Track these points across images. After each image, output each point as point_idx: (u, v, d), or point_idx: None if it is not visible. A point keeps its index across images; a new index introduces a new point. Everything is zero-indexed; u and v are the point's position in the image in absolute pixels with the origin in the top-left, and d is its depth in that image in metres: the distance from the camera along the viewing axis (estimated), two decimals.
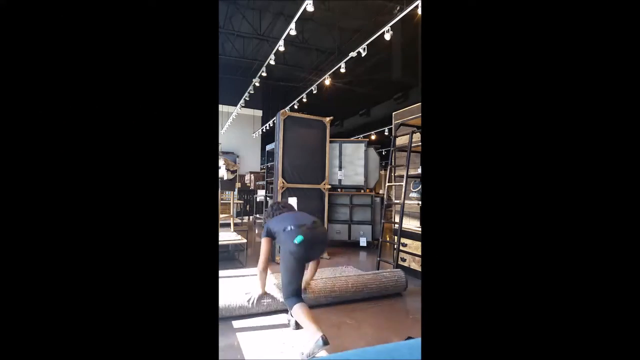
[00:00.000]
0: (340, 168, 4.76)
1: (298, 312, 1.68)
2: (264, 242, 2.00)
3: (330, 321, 2.05)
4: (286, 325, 1.96)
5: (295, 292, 1.80)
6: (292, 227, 1.83)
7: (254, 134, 11.53)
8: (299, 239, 1.75)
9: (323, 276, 2.53)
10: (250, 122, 11.46)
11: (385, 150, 9.85)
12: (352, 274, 2.62)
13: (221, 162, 4.31)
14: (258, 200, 8.29)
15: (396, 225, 3.29)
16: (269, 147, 6.18)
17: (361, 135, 11.06)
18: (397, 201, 3.47)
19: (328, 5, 6.45)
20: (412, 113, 3.52)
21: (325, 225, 3.99)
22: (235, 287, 2.30)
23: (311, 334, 1.54)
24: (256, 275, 2.09)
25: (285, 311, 2.07)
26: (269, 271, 2.18)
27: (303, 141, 3.97)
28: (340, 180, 4.75)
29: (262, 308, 2.09)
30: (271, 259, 3.69)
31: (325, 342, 1.50)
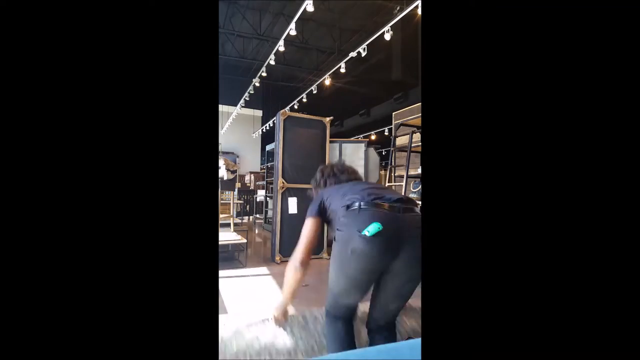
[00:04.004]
0: None
1: None
2: (310, 225, 1.16)
3: None
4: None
5: (346, 313, 1.07)
6: (363, 202, 0.99)
7: (254, 134, 11.52)
8: (375, 227, 0.92)
9: None
10: (250, 122, 11.45)
11: (385, 150, 9.84)
12: None
13: (221, 162, 4.31)
14: (258, 200, 8.28)
15: None
16: (269, 147, 6.18)
17: (361, 135, 11.05)
18: None
19: (328, 5, 6.45)
20: (412, 113, 3.52)
21: (325, 225, 3.91)
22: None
23: None
24: (287, 274, 1.17)
25: None
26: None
27: (303, 141, 3.97)
28: None
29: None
30: (271, 259, 3.69)
31: None
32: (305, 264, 1.14)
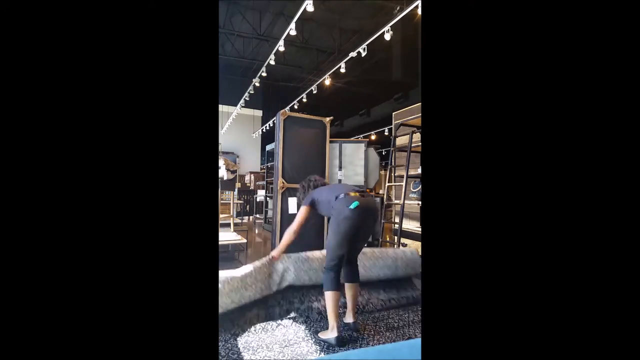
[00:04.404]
0: (340, 168, 4.76)
1: (329, 298, 1.78)
2: (304, 210, 1.99)
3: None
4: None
5: (339, 262, 1.80)
6: (344, 194, 1.85)
7: (254, 134, 11.52)
8: (354, 204, 1.76)
9: None
10: (250, 122, 11.45)
11: (385, 150, 9.85)
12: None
13: (221, 162, 4.32)
14: (258, 200, 8.28)
15: (396, 225, 3.29)
16: (269, 147, 6.18)
17: (361, 135, 11.05)
18: (397, 201, 3.47)
19: (328, 5, 6.44)
20: (412, 113, 3.52)
21: (325, 225, 4.01)
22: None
23: (330, 329, 1.75)
24: (284, 235, 2.02)
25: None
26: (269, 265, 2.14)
27: (303, 141, 3.97)
28: (340, 180, 4.75)
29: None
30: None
31: (339, 344, 1.70)
32: (297, 232, 2.01)
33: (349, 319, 1.90)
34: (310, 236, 3.90)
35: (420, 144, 3.25)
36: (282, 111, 3.84)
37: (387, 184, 3.81)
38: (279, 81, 10.23)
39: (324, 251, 2.07)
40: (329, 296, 1.77)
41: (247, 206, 8.39)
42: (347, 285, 1.91)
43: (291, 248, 3.66)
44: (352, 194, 1.85)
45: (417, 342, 0.85)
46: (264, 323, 1.96)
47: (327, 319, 1.83)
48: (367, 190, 4.73)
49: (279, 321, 1.98)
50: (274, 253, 2.10)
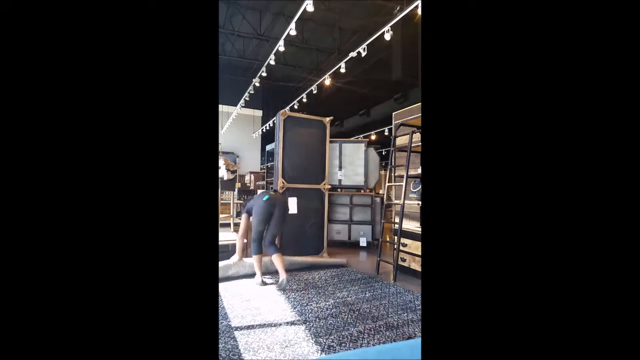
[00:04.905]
0: (340, 168, 4.76)
1: (255, 259, 2.88)
2: (244, 218, 3.13)
3: None
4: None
5: (260, 235, 2.91)
6: (262, 193, 3.05)
7: (254, 134, 11.52)
8: (266, 197, 2.93)
9: None
10: (250, 122, 11.45)
11: (385, 150, 9.85)
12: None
13: (221, 162, 4.32)
14: None
15: (396, 225, 3.29)
16: (269, 147, 6.19)
17: (361, 135, 11.06)
18: (397, 201, 3.47)
19: (328, 5, 6.45)
20: (412, 113, 3.52)
21: (325, 226, 4.01)
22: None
23: (256, 277, 2.86)
24: (237, 241, 3.08)
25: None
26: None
27: (303, 141, 3.97)
28: (340, 180, 4.75)
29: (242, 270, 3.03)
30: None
31: (262, 285, 2.78)
32: (244, 236, 3.13)
33: (281, 277, 2.71)
34: (310, 237, 3.91)
35: (420, 144, 3.25)
36: (282, 111, 3.85)
37: (387, 184, 3.81)
38: (279, 81, 10.23)
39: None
40: (255, 258, 2.87)
41: None
42: (272, 257, 2.85)
43: (295, 249, 3.71)
44: (271, 193, 3.05)
45: (417, 342, 0.85)
46: (264, 324, 1.96)
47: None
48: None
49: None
50: (236, 258, 3.07)
